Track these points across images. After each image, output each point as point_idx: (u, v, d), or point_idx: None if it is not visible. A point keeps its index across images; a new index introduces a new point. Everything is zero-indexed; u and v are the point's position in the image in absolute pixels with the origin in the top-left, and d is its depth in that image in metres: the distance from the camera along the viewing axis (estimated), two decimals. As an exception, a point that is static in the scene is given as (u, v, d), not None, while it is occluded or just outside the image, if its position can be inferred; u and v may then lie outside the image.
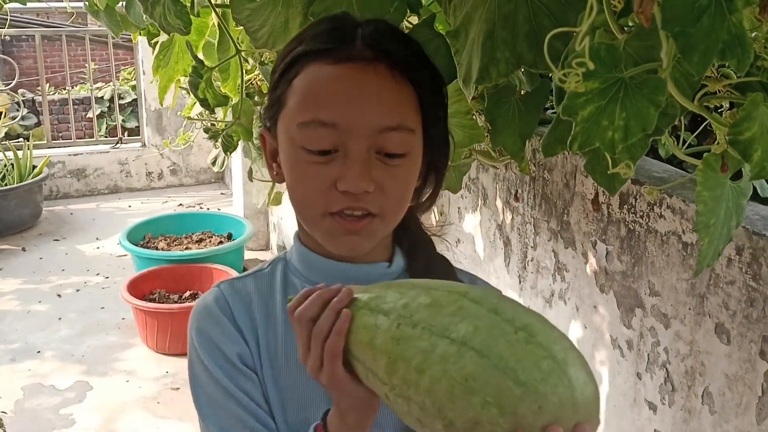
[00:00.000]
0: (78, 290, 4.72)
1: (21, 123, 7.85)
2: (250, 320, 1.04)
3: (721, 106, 1.25)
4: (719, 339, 1.41)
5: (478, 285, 1.00)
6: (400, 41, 0.98)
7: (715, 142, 1.05)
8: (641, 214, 1.60)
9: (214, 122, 1.53)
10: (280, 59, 1.00)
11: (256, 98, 2.19)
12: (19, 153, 5.76)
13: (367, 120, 0.92)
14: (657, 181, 1.58)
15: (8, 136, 7.18)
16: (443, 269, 1.09)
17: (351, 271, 1.03)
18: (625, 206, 1.65)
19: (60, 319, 4.35)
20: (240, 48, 1.46)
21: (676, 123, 1.40)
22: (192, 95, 1.29)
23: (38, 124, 8.19)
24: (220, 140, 1.43)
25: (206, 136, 1.39)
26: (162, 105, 1.73)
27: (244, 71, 1.55)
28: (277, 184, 1.40)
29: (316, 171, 0.93)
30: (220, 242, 4.62)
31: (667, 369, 1.56)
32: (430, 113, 0.99)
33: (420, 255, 1.08)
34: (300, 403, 1.02)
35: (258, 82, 2.26)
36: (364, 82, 0.93)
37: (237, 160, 4.94)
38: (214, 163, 3.10)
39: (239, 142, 1.59)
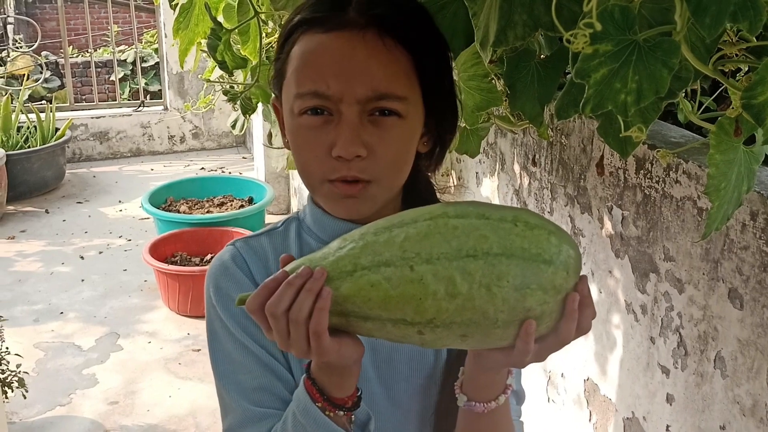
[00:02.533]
0: (101, 252, 4.79)
1: (44, 85, 7.90)
2: (267, 276, 1.03)
3: (740, 70, 1.24)
4: (732, 304, 1.41)
5: (444, 202, 1.01)
6: (395, 5, 0.97)
7: (731, 107, 1.05)
8: (657, 179, 1.60)
9: (233, 85, 1.53)
10: (282, 29, 1.02)
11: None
12: (42, 115, 5.80)
13: (356, 88, 0.93)
14: (673, 146, 1.58)
15: (31, 98, 7.24)
16: None
17: None
18: (642, 171, 1.65)
19: (83, 280, 4.41)
20: (259, 10, 1.47)
21: (695, 87, 1.40)
22: (211, 58, 1.30)
23: (61, 86, 8.22)
24: (239, 103, 1.44)
25: (226, 98, 1.40)
26: (182, 68, 1.74)
27: (263, 33, 1.56)
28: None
29: (313, 138, 0.95)
30: (241, 206, 4.65)
31: (680, 333, 1.57)
32: (429, 79, 0.98)
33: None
34: None
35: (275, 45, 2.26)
36: (353, 52, 0.93)
37: (257, 124, 4.96)
38: (233, 126, 3.12)
39: (258, 105, 1.60)
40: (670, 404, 1.62)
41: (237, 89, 1.44)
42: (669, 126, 1.75)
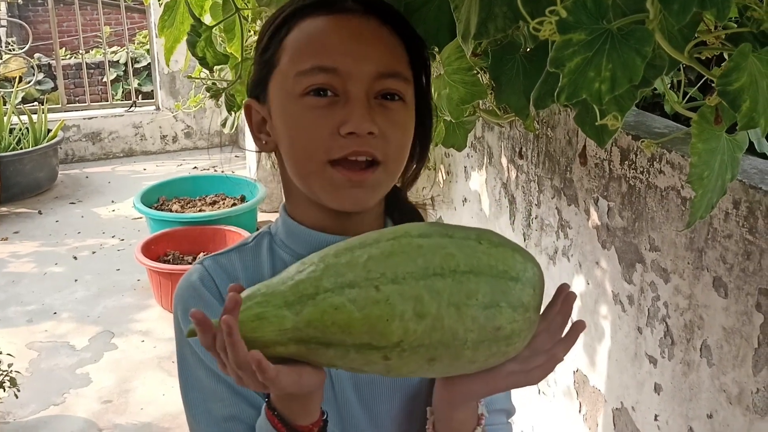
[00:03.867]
0: (94, 252, 4.78)
1: (38, 87, 7.88)
2: None
3: (722, 58, 1.24)
4: (717, 292, 1.42)
5: (406, 224, 0.93)
6: (386, 1, 0.99)
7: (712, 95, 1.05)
8: (642, 170, 1.61)
9: (216, 81, 1.53)
10: (267, 24, 1.01)
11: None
12: (34, 117, 5.80)
13: (365, 65, 0.92)
14: (657, 137, 1.59)
15: (24, 100, 7.22)
16: None
17: None
18: (626, 162, 1.65)
19: (76, 280, 4.41)
20: (240, 7, 1.47)
21: (680, 78, 1.40)
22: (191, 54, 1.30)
23: (55, 88, 8.18)
24: (222, 100, 1.44)
25: (208, 95, 1.40)
26: (168, 66, 1.74)
27: (244, 30, 1.55)
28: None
29: (317, 118, 0.91)
30: (234, 204, 4.65)
31: (666, 323, 1.58)
32: (418, 71, 1.00)
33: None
34: None
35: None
36: (361, 30, 0.94)
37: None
38: (224, 124, 3.12)
39: (242, 102, 1.59)
40: (658, 394, 1.63)
41: (220, 86, 1.44)
42: (653, 117, 1.76)
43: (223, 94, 1.40)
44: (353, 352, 0.78)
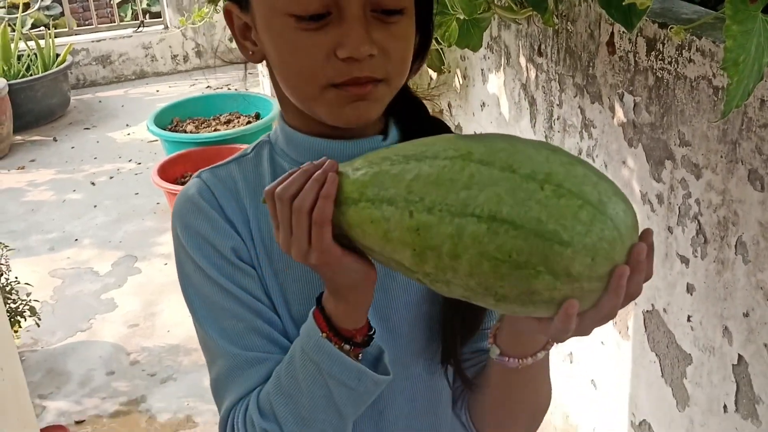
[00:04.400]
0: (111, 177, 4.76)
1: (46, 13, 7.75)
2: (239, 211, 0.94)
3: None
4: (752, 186, 1.34)
5: (485, 134, 0.90)
6: None
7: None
8: (669, 60, 1.51)
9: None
10: None
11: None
12: (42, 42, 5.69)
13: None
14: (686, 23, 1.48)
15: (34, 26, 7.11)
16: (441, 132, 0.98)
17: (344, 148, 0.93)
18: (653, 53, 1.55)
19: (95, 206, 4.40)
20: None
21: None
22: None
23: (63, 12, 8.07)
24: (209, 11, 1.34)
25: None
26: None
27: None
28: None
29: (309, 40, 0.82)
30: (248, 122, 4.57)
31: (698, 221, 1.50)
32: None
33: (414, 119, 0.99)
34: (304, 296, 0.93)
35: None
36: None
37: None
38: (232, 39, 3.01)
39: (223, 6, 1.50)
40: (691, 294, 1.56)
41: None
42: (680, 2, 1.64)
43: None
44: (393, 264, 0.75)
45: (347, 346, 0.85)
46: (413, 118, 0.98)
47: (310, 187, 0.77)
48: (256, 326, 0.91)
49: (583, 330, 0.72)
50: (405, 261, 0.73)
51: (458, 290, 0.72)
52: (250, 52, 0.91)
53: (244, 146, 3.81)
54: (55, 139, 5.39)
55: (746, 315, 1.41)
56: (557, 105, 1.99)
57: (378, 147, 0.92)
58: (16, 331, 2.96)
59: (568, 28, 1.87)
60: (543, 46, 2.01)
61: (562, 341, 0.74)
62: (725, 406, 1.50)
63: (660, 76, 1.54)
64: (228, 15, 0.92)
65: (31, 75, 5.52)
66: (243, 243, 0.92)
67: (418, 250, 0.71)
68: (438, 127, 0.99)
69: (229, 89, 6.02)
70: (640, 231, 0.72)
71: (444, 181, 0.70)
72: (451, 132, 0.99)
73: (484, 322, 0.99)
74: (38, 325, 3.08)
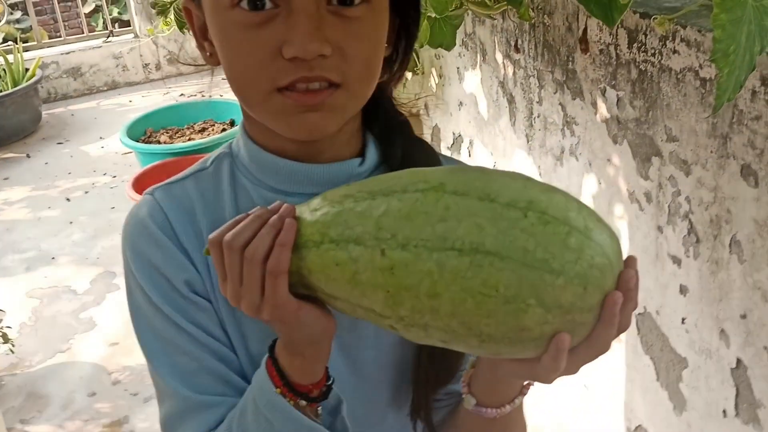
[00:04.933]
0: (86, 192, 4.65)
1: (17, 26, 7.61)
2: (195, 235, 0.84)
3: None
4: (746, 182, 1.27)
5: (453, 165, 0.80)
6: None
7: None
8: (653, 51, 1.44)
9: (161, -5, 1.35)
10: None
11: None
12: (10, 58, 5.57)
13: None
14: (669, 12, 1.41)
15: (5, 40, 6.97)
16: (425, 156, 0.88)
17: (314, 173, 0.83)
18: (635, 45, 1.49)
19: (71, 223, 4.29)
20: None
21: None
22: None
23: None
24: (172, 16, 1.26)
25: (155, 11, 1.22)
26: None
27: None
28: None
29: (253, 37, 0.72)
30: (223, 129, 4.48)
31: (690, 219, 1.44)
32: None
33: (396, 141, 0.88)
34: (262, 332, 0.83)
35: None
36: None
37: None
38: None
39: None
40: (684, 296, 1.50)
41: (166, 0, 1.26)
42: (661, -9, 1.57)
43: (171, 8, 1.22)
44: (360, 310, 0.68)
45: (303, 402, 0.77)
46: (394, 138, 0.88)
47: (266, 233, 0.69)
48: (209, 366, 0.83)
49: (573, 367, 0.66)
50: (376, 305, 0.65)
51: (437, 334, 0.64)
52: (208, 53, 0.81)
53: None
54: (28, 156, 5.27)
55: (743, 317, 1.34)
56: (537, 102, 1.93)
57: (354, 172, 0.84)
58: (-12, 360, 2.87)
59: (545, 21, 1.80)
60: (520, 42, 1.94)
61: (549, 382, 0.67)
62: (724, 411, 1.44)
63: (643, 69, 1.47)
64: (187, 13, 0.83)
65: (0, 91, 5.40)
66: (198, 273, 0.84)
67: (392, 292, 0.64)
68: (422, 149, 0.89)
69: (203, 96, 5.92)
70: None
71: (417, 214, 0.64)
72: (436, 155, 0.90)
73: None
74: (12, 352, 2.99)
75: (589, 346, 0.65)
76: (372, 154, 0.87)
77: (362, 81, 0.77)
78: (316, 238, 0.68)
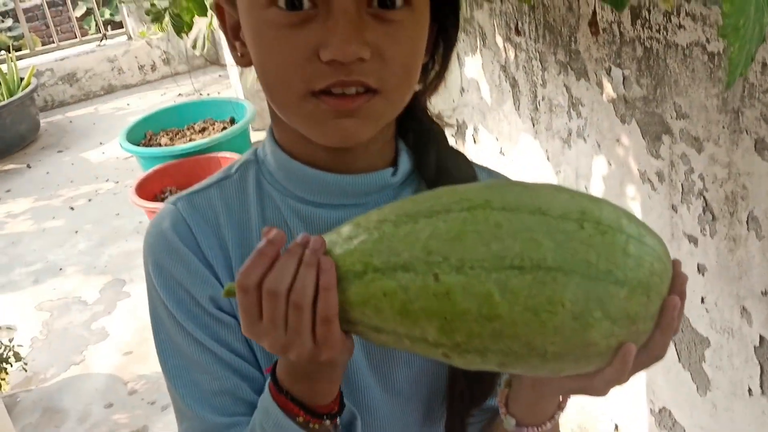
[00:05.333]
0: (90, 200, 4.63)
1: (9, 34, 7.58)
2: (220, 248, 0.81)
3: None
4: (761, 156, 1.24)
5: (490, 181, 0.77)
6: None
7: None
8: (657, 27, 1.40)
9: (154, 2, 1.32)
10: None
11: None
12: (4, 67, 5.54)
13: None
14: (671, -12, 1.38)
15: (-2, 49, 6.95)
16: (460, 167, 0.85)
17: (346, 184, 0.80)
18: (638, 21, 1.45)
19: (77, 232, 4.28)
20: None
21: None
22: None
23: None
24: (168, 21, 1.24)
25: (149, 19, 1.20)
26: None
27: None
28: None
29: (289, 37, 0.69)
30: (224, 128, 4.45)
31: (704, 197, 1.41)
32: None
33: (430, 151, 0.84)
34: None
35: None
36: None
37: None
38: (194, 45, 2.90)
39: (193, 21, 1.39)
40: (702, 275, 1.47)
41: (160, 7, 1.23)
42: (662, -35, 1.54)
43: (167, 14, 1.20)
44: (407, 341, 0.63)
45: (327, 422, 0.74)
46: (428, 148, 0.84)
47: (306, 274, 0.63)
48: (230, 386, 0.80)
49: (628, 376, 0.64)
50: (429, 334, 0.61)
51: (495, 358, 0.61)
52: (240, 54, 0.79)
53: (223, 154, 3.60)
54: (28, 166, 5.26)
55: (765, 293, 1.32)
56: (541, 85, 1.89)
57: (387, 183, 0.81)
58: (3, 379, 2.85)
59: (545, 2, 1.76)
60: (520, 24, 1.91)
61: (604, 394, 0.66)
62: (750, 389, 1.41)
63: (648, 46, 1.44)
64: (219, 11, 0.80)
65: (-4, 102, 5.38)
66: (222, 288, 0.80)
67: (449, 318, 0.60)
68: (457, 160, 0.86)
69: (200, 95, 5.89)
70: None
71: (468, 234, 0.60)
72: (472, 166, 0.86)
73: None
74: (25, 370, 2.98)
75: (648, 354, 0.64)
76: (405, 163, 0.84)
77: (400, 87, 0.74)
78: (358, 268, 0.63)
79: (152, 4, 1.29)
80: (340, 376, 0.73)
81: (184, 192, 0.86)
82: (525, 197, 0.62)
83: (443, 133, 0.87)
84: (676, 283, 0.64)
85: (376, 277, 0.62)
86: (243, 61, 0.79)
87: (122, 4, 6.25)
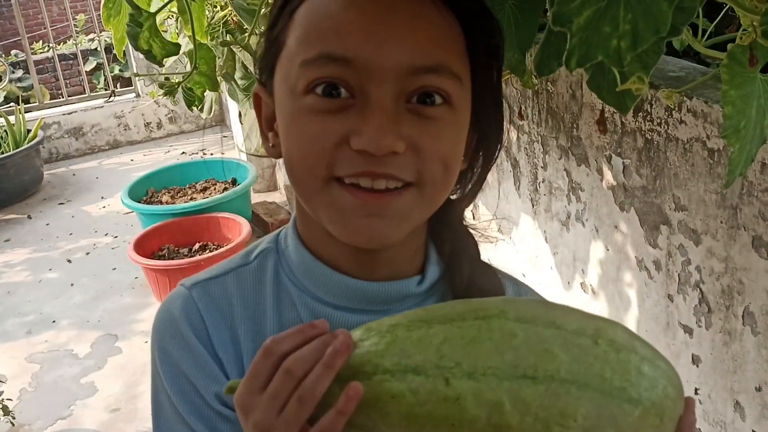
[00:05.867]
0: (88, 253, 4.64)
1: (19, 85, 7.68)
2: (232, 342, 0.78)
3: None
4: (758, 253, 1.26)
5: (507, 297, 0.76)
6: None
7: (740, 30, 0.90)
8: (659, 121, 1.44)
9: (168, 76, 1.35)
10: None
11: (230, 37, 2.01)
12: (12, 119, 5.60)
13: (393, 55, 0.66)
14: (674, 82, 1.41)
15: (8, 99, 7.01)
16: (491, 283, 0.83)
17: (369, 291, 0.76)
18: (640, 114, 1.48)
19: (72, 285, 4.27)
20: (189, -15, 1.29)
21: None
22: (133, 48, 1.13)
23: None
24: (181, 95, 1.26)
25: (161, 93, 1.22)
26: (121, 58, 1.56)
27: (201, 8, 1.38)
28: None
29: (321, 123, 0.67)
30: (225, 189, 4.49)
31: (701, 289, 1.42)
32: (480, 64, 0.73)
33: (464, 263, 0.81)
34: None
35: (233, 18, 2.08)
36: (393, 6, 0.67)
37: (233, 101, 4.77)
38: (201, 109, 2.94)
39: (205, 95, 1.42)
40: (697, 366, 1.47)
41: (173, 80, 1.26)
42: (665, 58, 1.58)
43: (180, 88, 1.23)
44: None
45: None
46: (461, 260, 0.81)
47: (324, 377, 0.61)
48: None
49: None
50: None
51: None
52: (271, 144, 0.77)
53: (223, 215, 3.61)
54: (29, 217, 5.27)
55: (759, 389, 1.32)
56: (542, 167, 1.92)
57: (412, 293, 0.78)
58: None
59: (549, 88, 1.80)
60: (523, 108, 1.95)
61: None
62: (743, 486, 1.40)
63: (649, 137, 1.47)
64: (257, 100, 0.79)
65: (2, 153, 5.42)
66: None
67: (456, 425, 0.58)
68: (489, 275, 0.83)
69: (204, 155, 5.94)
70: None
71: (483, 341, 0.60)
72: (501, 283, 0.84)
73: None
74: (12, 423, 2.94)
75: None
76: (433, 273, 0.81)
77: (436, 183, 0.70)
78: (368, 369, 0.61)
79: (166, 78, 1.32)
80: None
81: (201, 276, 0.82)
82: (540, 311, 0.62)
83: (476, 245, 0.84)
84: (685, 423, 0.62)
85: (385, 379, 0.60)
86: (274, 152, 0.77)
87: (132, 61, 6.34)
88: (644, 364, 0.60)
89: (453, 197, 0.80)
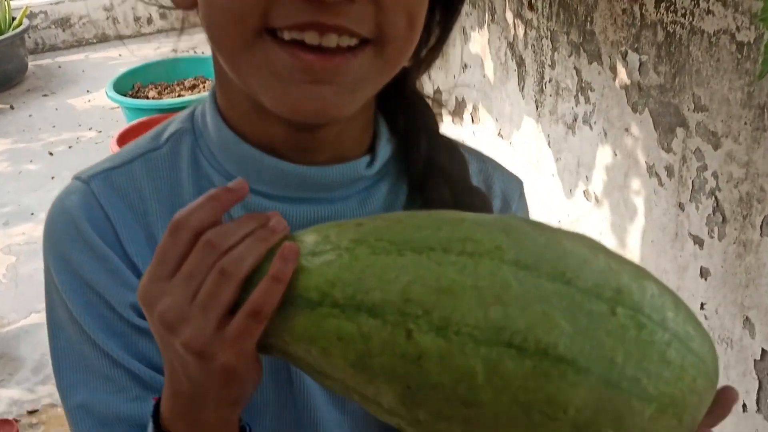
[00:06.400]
0: (70, 147, 4.51)
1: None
2: (147, 242, 0.64)
3: None
4: (784, 158, 1.16)
5: (509, 218, 0.53)
6: None
7: None
8: (683, 11, 1.31)
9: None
10: None
11: None
12: (-5, 5, 5.40)
13: None
14: (704, -31, 1.28)
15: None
16: (453, 159, 0.68)
17: (309, 176, 0.62)
18: (663, 4, 1.36)
19: (53, 178, 4.16)
20: None
21: None
22: None
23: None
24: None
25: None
26: None
27: None
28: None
29: None
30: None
31: (716, 197, 1.32)
32: None
33: (421, 139, 0.67)
34: None
35: None
36: None
37: (225, -3, 4.59)
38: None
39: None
40: (705, 279, 1.39)
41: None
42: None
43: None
44: (356, 396, 0.50)
45: None
46: (418, 137, 0.67)
47: (254, 248, 0.49)
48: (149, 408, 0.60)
49: None
50: (385, 399, 0.47)
51: None
52: None
53: None
54: (11, 107, 5.12)
55: (772, 305, 1.24)
56: (549, 66, 1.80)
57: (360, 176, 0.64)
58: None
59: (562, -22, 1.67)
60: None
61: None
62: (744, 405, 1.34)
63: (671, 30, 1.35)
64: None
65: (-16, 40, 5.24)
66: None
67: (414, 388, 0.46)
68: (451, 155, 0.69)
69: (195, 53, 5.76)
70: None
71: (464, 289, 0.45)
72: (466, 164, 0.70)
73: None
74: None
75: None
76: (384, 152, 0.67)
77: (399, 40, 0.56)
78: (313, 297, 0.48)
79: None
80: (236, 421, 0.56)
81: (100, 166, 0.67)
82: (548, 253, 0.46)
83: (435, 119, 0.70)
84: (715, 414, 0.50)
85: (332, 313, 0.47)
86: (182, 1, 0.63)
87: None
88: (672, 346, 0.46)
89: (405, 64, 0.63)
